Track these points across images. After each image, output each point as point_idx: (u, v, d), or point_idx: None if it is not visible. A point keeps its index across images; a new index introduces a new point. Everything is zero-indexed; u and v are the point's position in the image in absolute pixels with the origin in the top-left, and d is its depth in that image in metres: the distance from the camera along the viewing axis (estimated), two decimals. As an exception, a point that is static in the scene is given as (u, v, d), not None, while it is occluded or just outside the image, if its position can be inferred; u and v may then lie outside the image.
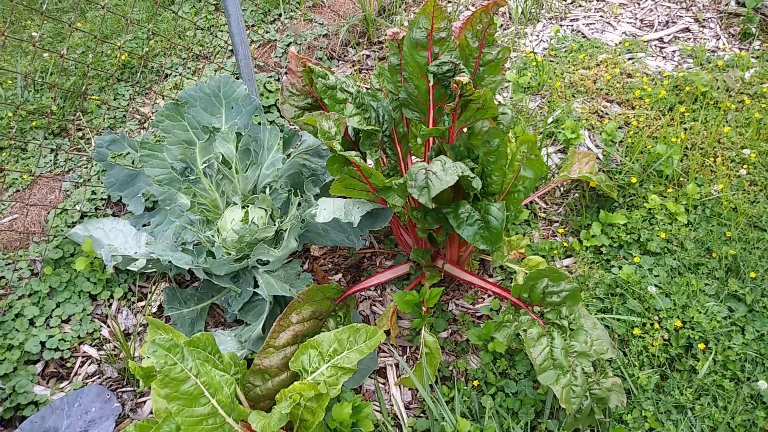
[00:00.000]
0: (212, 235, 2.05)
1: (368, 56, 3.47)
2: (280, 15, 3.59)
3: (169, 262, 1.85)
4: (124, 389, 2.05)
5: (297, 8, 3.62)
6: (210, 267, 1.88)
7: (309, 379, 1.60)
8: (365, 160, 2.04)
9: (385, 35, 3.48)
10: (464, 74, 1.69)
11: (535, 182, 1.89)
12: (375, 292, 2.25)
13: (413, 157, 2.49)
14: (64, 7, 3.92)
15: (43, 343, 2.15)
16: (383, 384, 1.95)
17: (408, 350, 2.04)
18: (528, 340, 1.54)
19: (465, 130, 2.02)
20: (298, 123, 1.95)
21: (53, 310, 2.24)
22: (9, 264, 2.36)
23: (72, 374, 2.11)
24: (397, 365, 2.00)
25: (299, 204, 2.10)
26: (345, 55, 3.47)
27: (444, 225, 1.87)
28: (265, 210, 2.08)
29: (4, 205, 2.61)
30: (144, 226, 2.27)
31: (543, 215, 2.41)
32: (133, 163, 2.53)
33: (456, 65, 1.88)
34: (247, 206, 2.08)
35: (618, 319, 1.91)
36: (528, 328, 1.57)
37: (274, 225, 2.03)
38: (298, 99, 1.99)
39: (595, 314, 1.92)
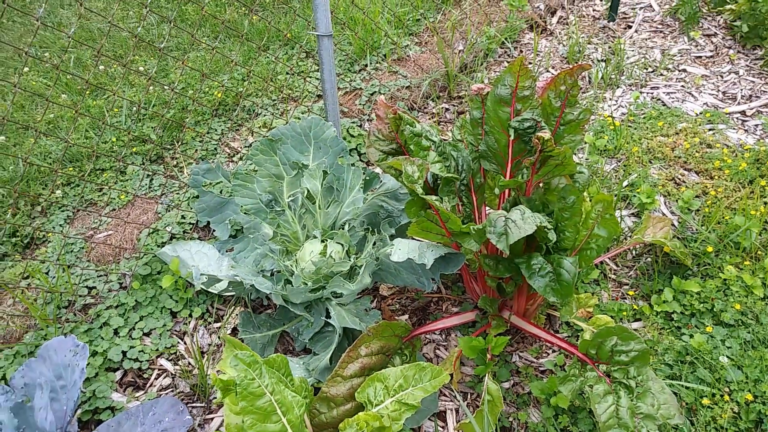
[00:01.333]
0: (291, 265, 2.17)
1: (447, 109, 3.60)
2: (366, 65, 3.79)
3: (251, 285, 1.97)
4: (194, 404, 2.15)
5: (383, 60, 3.82)
6: (287, 294, 1.98)
7: (373, 411, 1.65)
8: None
9: (466, 91, 3.61)
10: (546, 131, 1.76)
11: (608, 241, 1.91)
12: (440, 336, 2.29)
13: (487, 208, 2.55)
14: (170, 46, 4.28)
15: (124, 353, 2.29)
16: (442, 428, 1.98)
17: (469, 397, 2.06)
18: (594, 396, 1.55)
19: (541, 185, 2.08)
20: (381, 166, 2.06)
21: (137, 322, 2.39)
22: (101, 276, 2.55)
23: (148, 385, 2.23)
24: (457, 410, 2.02)
25: (374, 243, 2.20)
26: (425, 107, 3.61)
27: (515, 275, 1.91)
28: (342, 245, 2.19)
29: (102, 221, 2.83)
30: (227, 251, 2.42)
31: (613, 276, 2.41)
32: (221, 192, 2.71)
33: (537, 122, 1.96)
34: (326, 240, 2.19)
35: (687, 387, 1.88)
36: (594, 384, 1.58)
37: (350, 260, 2.13)
38: (383, 144, 2.11)
39: (663, 380, 1.90)
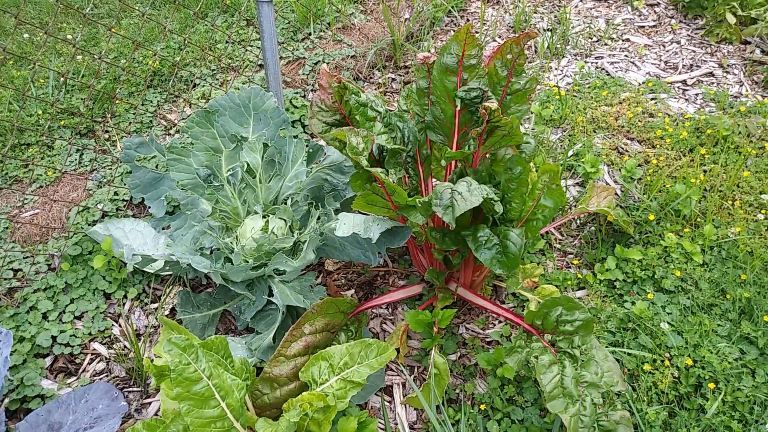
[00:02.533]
0: (231, 242, 2.08)
1: (393, 79, 3.52)
2: (310, 34, 3.67)
3: (188, 264, 1.88)
4: (130, 389, 2.06)
5: (327, 28, 3.70)
6: (227, 273, 1.90)
7: (318, 390, 1.60)
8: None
9: (412, 60, 3.54)
10: (493, 100, 1.72)
11: (554, 212, 1.90)
12: (386, 310, 2.26)
13: (433, 180, 2.51)
14: (100, 13, 4.03)
15: (54, 338, 2.16)
16: (389, 402, 1.95)
17: (416, 370, 2.04)
18: (539, 367, 1.55)
19: (488, 156, 2.05)
20: (325, 138, 1.98)
21: (67, 305, 2.26)
22: (27, 257, 2.39)
23: (80, 371, 2.12)
24: (404, 384, 2.00)
25: (319, 217, 2.13)
26: (371, 77, 3.52)
27: (461, 248, 1.88)
28: (285, 221, 2.11)
29: (27, 199, 2.66)
30: (164, 229, 2.30)
31: (558, 246, 2.41)
32: (157, 167, 2.57)
33: (484, 92, 1.92)
34: (268, 216, 2.10)
35: (629, 354, 1.90)
36: (539, 355, 1.57)
37: (293, 236, 2.05)
38: (327, 115, 2.03)
39: (606, 347, 1.92)
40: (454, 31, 3.91)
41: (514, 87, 2.00)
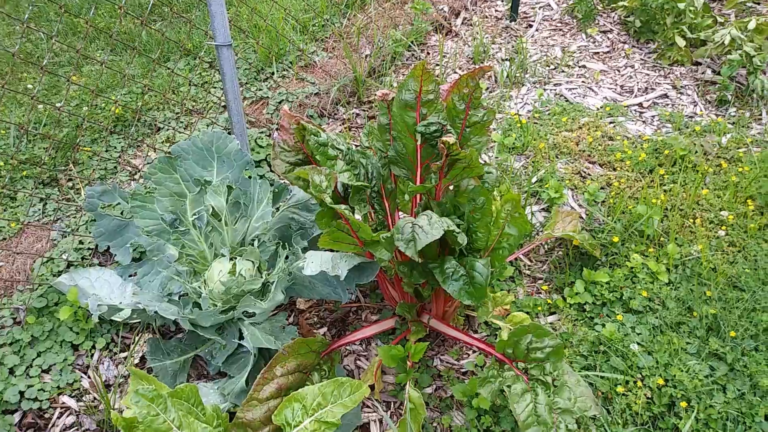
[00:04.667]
0: (199, 287, 2.06)
1: (358, 114, 3.56)
2: (273, 74, 3.70)
3: (155, 312, 1.85)
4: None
5: (290, 67, 3.74)
6: (196, 318, 1.88)
7: (292, 433, 1.58)
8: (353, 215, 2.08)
9: (375, 95, 3.59)
10: (451, 135, 1.75)
11: (519, 239, 1.93)
12: (360, 347, 2.25)
13: (400, 213, 2.53)
14: (61, 61, 4.02)
15: (22, 393, 2.10)
16: (367, 440, 1.93)
17: (392, 406, 2.02)
18: (512, 396, 1.55)
19: (451, 188, 2.08)
20: (289, 178, 1.99)
21: (34, 359, 2.20)
22: (-9, 312, 2.34)
23: (50, 425, 2.06)
24: (380, 421, 1.98)
25: (287, 257, 2.13)
26: (335, 113, 3.56)
27: (430, 280, 1.89)
28: (253, 262, 2.10)
29: (-11, 253, 2.60)
30: (131, 276, 2.27)
31: (528, 272, 2.44)
32: (122, 214, 2.55)
33: (443, 126, 1.95)
34: (235, 258, 2.09)
35: (601, 377, 1.92)
36: (512, 384, 1.58)
37: (261, 277, 2.04)
38: (290, 155, 2.05)
39: (579, 371, 1.93)
40: (414, 64, 3.98)
41: (473, 119, 2.04)
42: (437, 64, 3.91)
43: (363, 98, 3.66)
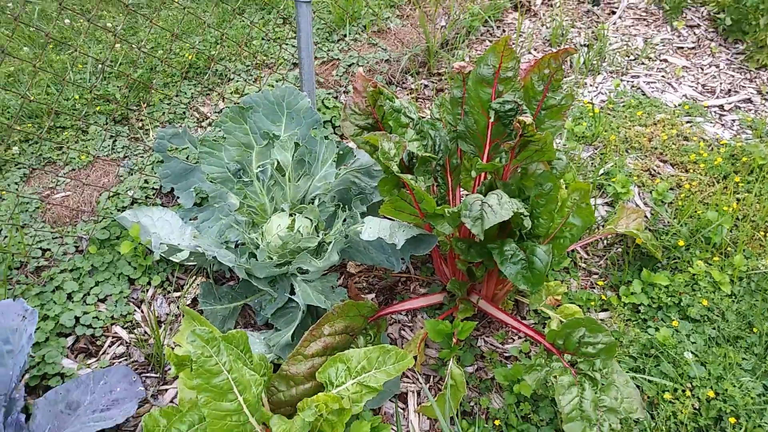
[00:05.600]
0: (257, 238, 2.09)
1: (426, 86, 3.52)
2: (345, 36, 3.68)
3: (213, 257, 1.89)
4: (148, 375, 2.08)
5: (363, 31, 3.71)
6: (252, 268, 1.91)
7: (334, 392, 1.60)
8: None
9: (450, 67, 3.53)
10: (527, 115, 1.71)
11: (583, 230, 1.88)
12: (406, 317, 2.25)
13: (462, 190, 2.51)
14: (141, 3, 4.09)
15: (77, 318, 2.19)
16: (403, 409, 1.95)
17: (432, 379, 2.03)
18: (558, 388, 1.53)
19: (519, 170, 2.04)
20: (356, 141, 1.99)
21: (92, 288, 2.29)
22: (56, 238, 2.43)
23: (101, 352, 2.15)
24: (418, 393, 1.99)
25: (344, 219, 2.13)
26: (404, 83, 3.53)
27: (486, 260, 1.87)
28: (311, 221, 2.12)
29: (59, 181, 2.70)
30: (191, 219, 2.33)
31: (583, 265, 2.39)
32: (188, 158, 2.60)
33: (518, 105, 1.91)
34: (295, 215, 2.11)
35: (650, 381, 1.87)
36: (559, 375, 1.56)
37: (318, 236, 2.06)
38: (360, 118, 2.04)
39: (627, 372, 1.89)
40: (489, 41, 3.90)
41: (550, 102, 1.99)
42: (513, 43, 3.81)
43: (433, 69, 3.61)
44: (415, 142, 1.89)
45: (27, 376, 2.01)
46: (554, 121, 2.02)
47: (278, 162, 2.08)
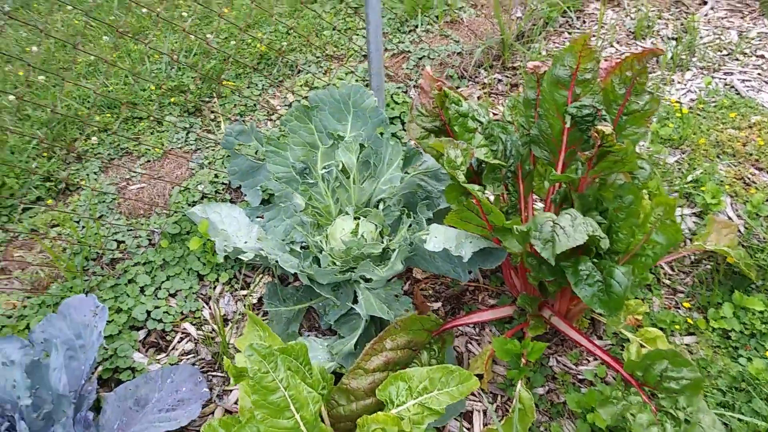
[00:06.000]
0: (321, 241, 2.06)
1: (500, 80, 3.38)
2: (417, 27, 3.59)
3: (276, 261, 1.87)
4: (214, 373, 2.10)
5: (435, 22, 3.60)
6: (314, 274, 1.88)
7: (394, 411, 1.55)
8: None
9: (525, 60, 3.38)
10: (607, 124, 1.58)
11: (667, 249, 1.74)
12: (473, 330, 2.17)
13: (534, 196, 2.39)
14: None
15: (149, 313, 2.24)
16: (468, 429, 1.87)
17: (499, 399, 1.94)
18: (636, 426, 1.42)
19: (596, 180, 1.90)
20: (422, 144, 1.91)
21: (163, 282, 2.33)
22: (130, 230, 2.49)
23: (170, 348, 2.19)
24: (485, 412, 1.91)
25: (410, 225, 2.07)
26: (476, 76, 3.40)
27: (559, 278, 1.76)
28: (376, 225, 2.06)
29: (135, 173, 2.76)
30: (258, 218, 2.32)
31: (667, 282, 2.22)
32: (256, 153, 2.60)
33: (597, 110, 1.77)
34: (359, 218, 2.06)
35: (740, 420, 1.72)
36: (638, 412, 1.44)
37: (383, 242, 2.00)
38: (426, 120, 1.95)
39: (714, 408, 1.74)
40: (568, 32, 3.70)
41: (632, 107, 1.84)
42: (594, 35, 3.61)
43: (508, 63, 3.46)
44: (483, 148, 1.79)
45: (100, 368, 2.06)
46: (637, 128, 1.87)
47: (343, 164, 2.03)
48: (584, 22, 3.79)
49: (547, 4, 3.67)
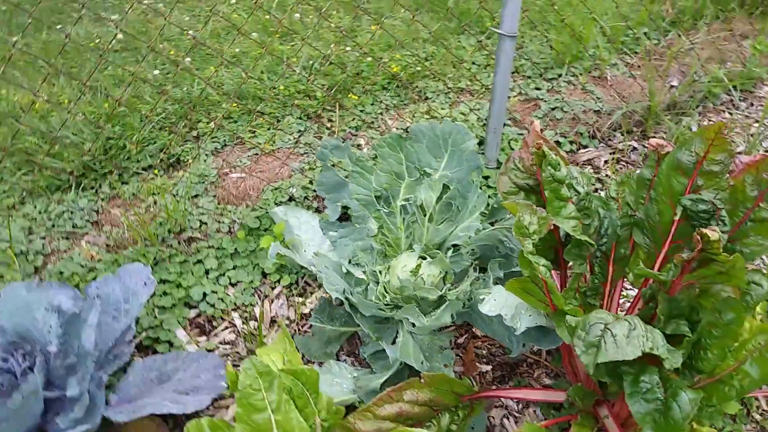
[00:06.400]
0: (380, 272, 1.97)
1: (635, 149, 3.11)
2: (560, 76, 3.41)
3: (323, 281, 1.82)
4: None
5: (579, 74, 3.40)
6: (357, 303, 1.80)
7: (389, 473, 1.42)
8: (563, 268, 1.78)
9: (670, 132, 3.08)
10: (714, 229, 1.34)
11: (758, 384, 1.46)
12: (515, 405, 1.97)
13: (625, 283, 2.14)
14: (369, 8, 4.20)
15: (205, 295, 2.28)
16: None
17: (518, 493, 1.74)
18: None
19: (696, 285, 1.64)
20: (504, 199, 1.76)
21: (228, 270, 2.37)
22: (216, 215, 2.56)
23: (212, 333, 2.20)
24: (497, 503, 1.71)
25: (476, 279, 1.92)
26: (609, 139, 3.15)
27: (617, 380, 1.53)
28: (440, 270, 1.94)
29: (241, 162, 2.85)
30: (331, 233, 2.29)
31: (758, 417, 1.88)
32: (348, 169, 2.58)
33: (716, 209, 1.54)
34: (425, 259, 1.95)
35: None
36: None
37: (441, 291, 1.88)
38: (520, 176, 1.80)
39: None
40: (729, 113, 3.33)
41: (762, 214, 1.57)
42: (757, 121, 3.21)
43: (649, 132, 3.18)
44: (572, 220, 1.61)
45: (143, 335, 2.12)
46: (762, 239, 1.59)
47: (423, 202, 1.94)
48: (751, 104, 3.40)
49: (711, 78, 3.33)
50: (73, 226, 2.52)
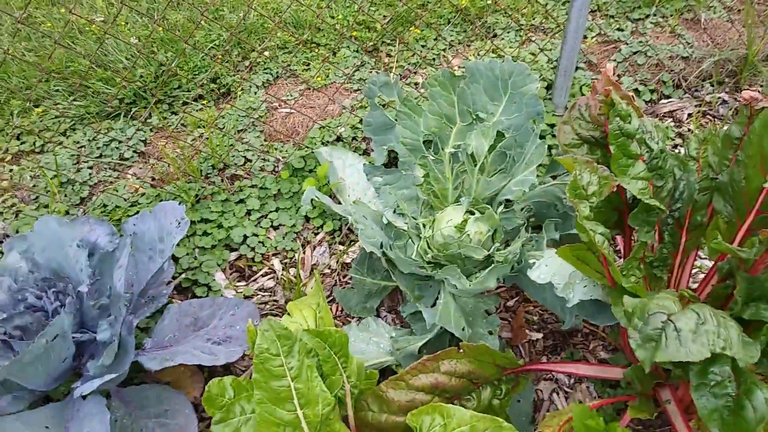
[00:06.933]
0: (423, 224, 1.82)
1: (724, 102, 2.76)
2: (647, 16, 3.05)
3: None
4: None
5: (670, 16, 3.03)
6: (394, 258, 1.66)
7: (418, 447, 1.31)
8: (628, 233, 1.58)
9: (740, 96, 2.71)
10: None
11: None
12: (566, 379, 1.82)
13: (700, 254, 1.91)
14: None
15: (246, 237, 2.20)
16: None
17: (556, 474, 1.60)
18: None
19: (786, 264, 1.41)
20: (566, 152, 1.55)
21: (270, 212, 2.28)
22: (261, 152, 2.46)
23: (251, 279, 2.14)
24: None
25: (528, 240, 1.74)
26: (696, 89, 2.81)
27: (682, 369, 1.35)
28: (489, 228, 1.77)
29: (291, 96, 2.71)
30: (376, 177, 2.14)
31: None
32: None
33: (821, 178, 1.29)
34: (473, 214, 1.78)
35: None
36: None
37: (488, 250, 1.71)
38: (585, 126, 1.58)
39: None
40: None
41: None
42: None
43: (743, 84, 2.81)
44: (641, 181, 1.40)
45: (183, 275, 2.08)
46: None
47: (474, 150, 1.75)
48: None
49: (825, 24, 2.89)
50: (121, 157, 2.48)
